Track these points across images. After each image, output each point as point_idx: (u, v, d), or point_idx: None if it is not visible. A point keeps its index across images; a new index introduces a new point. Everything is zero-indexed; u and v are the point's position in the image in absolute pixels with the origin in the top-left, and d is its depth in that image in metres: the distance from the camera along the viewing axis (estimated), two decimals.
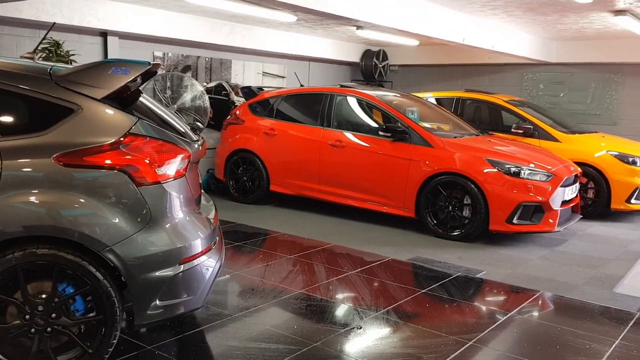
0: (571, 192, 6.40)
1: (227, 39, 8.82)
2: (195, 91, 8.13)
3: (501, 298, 4.70)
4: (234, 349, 3.41)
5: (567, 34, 9.18)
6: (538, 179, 6.03)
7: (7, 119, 2.87)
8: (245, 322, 3.82)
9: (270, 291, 4.46)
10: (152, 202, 2.85)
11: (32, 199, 2.70)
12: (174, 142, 3.02)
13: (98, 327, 2.82)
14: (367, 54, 11.72)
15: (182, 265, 2.92)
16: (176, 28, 8.10)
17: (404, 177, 6.46)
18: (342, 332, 3.72)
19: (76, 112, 2.81)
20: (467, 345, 3.58)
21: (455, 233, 6.21)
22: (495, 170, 6.03)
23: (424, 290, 4.62)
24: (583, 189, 7.43)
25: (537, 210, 6.00)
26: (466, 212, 6.15)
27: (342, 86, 7.53)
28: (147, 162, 2.84)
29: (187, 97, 8.09)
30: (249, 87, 8.46)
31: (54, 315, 2.75)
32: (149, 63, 2.97)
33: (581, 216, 6.81)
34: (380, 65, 11.78)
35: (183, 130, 3.31)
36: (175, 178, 2.97)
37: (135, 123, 2.88)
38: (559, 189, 6.08)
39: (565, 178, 6.20)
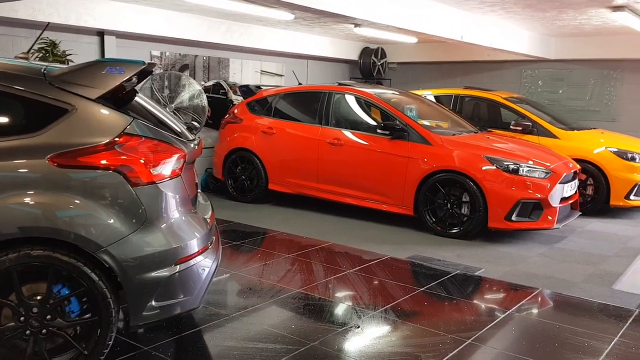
0: (570, 188, 6.39)
1: (224, 37, 8.80)
2: (193, 90, 8.11)
3: (500, 296, 4.69)
4: (231, 349, 3.40)
5: (565, 31, 9.16)
6: (537, 176, 6.02)
7: (1, 119, 2.84)
8: (243, 322, 3.81)
9: (268, 290, 4.45)
10: (148, 202, 2.83)
11: (27, 200, 2.69)
12: (170, 141, 3.01)
13: (93, 328, 2.81)
14: (366, 52, 11.69)
15: (178, 266, 2.90)
16: (173, 27, 8.07)
17: (402, 175, 6.45)
18: (340, 331, 3.70)
19: (70, 112, 2.79)
20: (466, 343, 3.56)
21: (454, 231, 6.20)
22: (494, 167, 6.02)
23: (422, 289, 4.61)
24: (582, 186, 7.42)
25: (536, 208, 5.98)
26: (465, 210, 6.14)
27: (340, 84, 7.51)
28: (142, 162, 2.83)
29: (185, 96, 8.07)
30: (247, 86, 8.45)
31: (49, 316, 2.74)
32: (144, 62, 2.95)
33: (580, 213, 6.80)
34: (379, 63, 11.75)
35: (179, 130, 3.30)
36: (170, 178, 2.95)
37: (130, 123, 2.86)
38: (558, 186, 6.07)
39: (564, 175, 6.18)
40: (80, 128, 2.78)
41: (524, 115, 8.01)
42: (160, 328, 3.62)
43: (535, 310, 4.27)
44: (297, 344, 3.48)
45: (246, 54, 9.83)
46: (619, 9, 6.95)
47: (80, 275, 2.72)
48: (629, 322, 4.00)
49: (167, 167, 2.93)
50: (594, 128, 8.57)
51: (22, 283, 2.71)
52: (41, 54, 6.45)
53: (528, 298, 4.46)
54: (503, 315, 4.08)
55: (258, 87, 8.46)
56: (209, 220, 3.35)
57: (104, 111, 2.85)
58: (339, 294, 4.50)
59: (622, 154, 7.43)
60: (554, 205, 6.02)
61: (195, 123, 7.62)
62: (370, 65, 11.64)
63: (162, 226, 2.89)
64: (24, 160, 2.72)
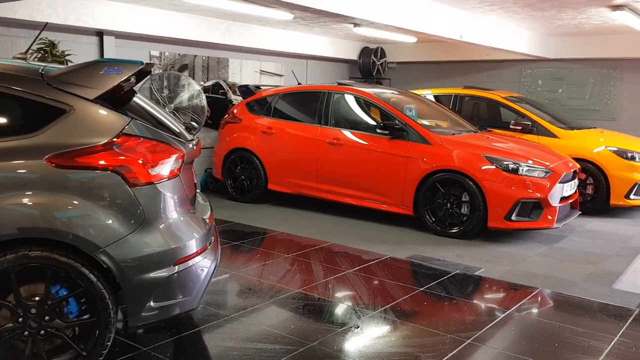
0: (570, 188, 6.38)
1: (223, 37, 8.79)
2: (192, 90, 8.11)
3: (499, 295, 4.68)
4: (230, 350, 3.39)
5: (565, 30, 9.15)
6: (536, 175, 6.01)
7: None
8: (242, 323, 3.80)
9: (267, 291, 4.44)
10: (146, 202, 2.83)
11: (25, 200, 2.68)
12: (168, 142, 3.00)
13: (92, 329, 2.80)
14: (365, 52, 11.69)
15: (176, 266, 2.90)
16: (172, 27, 8.06)
17: (402, 174, 6.44)
18: (340, 332, 3.70)
19: (68, 112, 2.79)
20: (465, 343, 3.56)
21: (454, 230, 6.19)
22: (494, 167, 6.01)
23: (422, 289, 4.60)
24: (582, 185, 7.41)
25: (535, 207, 5.98)
26: (464, 210, 6.13)
27: (339, 84, 7.50)
28: (141, 162, 2.82)
29: (184, 97, 8.07)
30: (246, 86, 8.44)
31: (47, 317, 2.73)
32: (142, 62, 2.95)
33: (580, 212, 6.79)
34: (379, 63, 11.75)
35: (178, 130, 3.29)
36: (169, 178, 2.95)
37: (129, 123, 2.86)
38: (558, 185, 6.06)
39: (563, 174, 6.17)
40: (78, 128, 2.78)
41: (524, 114, 8.00)
42: (159, 328, 3.61)
43: (535, 310, 4.27)
44: (296, 344, 3.48)
45: (245, 54, 9.82)
46: (619, 8, 6.94)
47: (78, 276, 2.72)
48: (629, 321, 3.99)
49: (166, 167, 2.92)
50: (594, 127, 8.56)
51: (20, 284, 2.71)
52: (40, 55, 6.44)
53: (528, 298, 4.45)
54: (503, 315, 4.07)
55: (257, 87, 8.46)
56: (207, 220, 3.35)
57: (102, 111, 2.84)
58: (339, 294, 4.49)
59: (621, 153, 7.42)
60: (553, 204, 6.01)
61: (194, 123, 7.61)
62: (369, 65, 11.64)
63: (161, 227, 2.88)
64: (22, 161, 2.71)
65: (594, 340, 3.66)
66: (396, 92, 7.72)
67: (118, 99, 3.00)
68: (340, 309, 4.17)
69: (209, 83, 9.29)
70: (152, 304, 2.84)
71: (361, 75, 11.90)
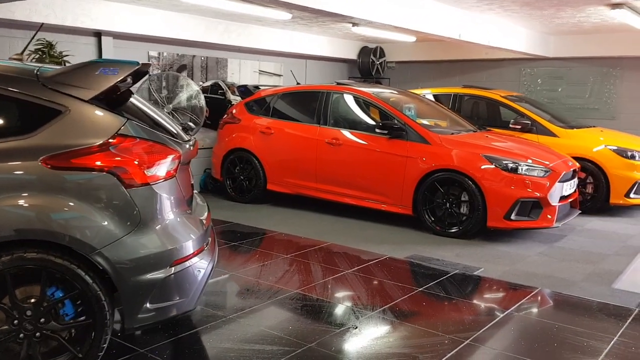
0: (569, 187, 6.36)
1: (222, 37, 8.77)
2: (191, 90, 8.09)
3: (499, 295, 4.66)
4: (228, 351, 3.37)
5: (564, 28, 9.13)
6: (536, 174, 5.99)
7: None
8: (240, 324, 3.78)
9: (265, 291, 4.42)
10: (142, 203, 2.81)
11: (21, 202, 2.66)
12: (164, 142, 2.99)
13: (88, 331, 2.78)
14: (364, 51, 11.67)
15: (173, 268, 2.88)
16: (171, 27, 8.05)
17: (401, 174, 6.43)
18: (338, 332, 3.68)
19: (63, 113, 2.77)
20: (464, 344, 3.54)
21: (453, 230, 6.18)
22: (493, 166, 5.99)
23: (421, 289, 4.58)
24: (582, 184, 7.39)
25: (535, 206, 5.96)
26: (464, 209, 6.12)
27: (338, 84, 7.49)
28: (136, 163, 2.81)
29: (183, 97, 8.05)
30: (245, 86, 8.42)
31: (42, 319, 2.72)
32: (138, 63, 2.93)
33: (580, 211, 6.78)
34: (378, 62, 11.73)
35: (174, 131, 3.28)
36: (165, 179, 2.93)
37: (125, 124, 2.84)
38: (557, 185, 6.04)
39: (563, 173, 6.16)
40: (73, 129, 2.76)
41: (523, 113, 7.98)
42: (156, 330, 3.60)
43: (534, 310, 4.25)
44: (294, 345, 3.46)
45: (244, 54, 9.81)
46: (618, 6, 6.92)
47: (74, 277, 2.70)
48: (629, 321, 3.98)
49: (162, 168, 2.91)
50: (594, 126, 8.54)
51: (15, 286, 2.69)
52: (38, 55, 6.43)
53: (527, 297, 4.44)
54: (502, 315, 4.05)
55: (256, 87, 8.44)
56: (204, 221, 3.33)
57: (98, 112, 2.83)
58: (337, 295, 4.47)
59: (621, 152, 7.40)
60: (553, 203, 6.00)
61: (191, 124, 7.60)
62: (368, 64, 11.62)
63: (157, 228, 2.87)
64: (17, 162, 2.70)
65: (594, 340, 3.65)
66: (395, 92, 7.71)
67: (114, 100, 2.99)
68: (338, 310, 4.15)
69: (208, 83, 9.27)
70: (148, 305, 2.82)
71: (360, 74, 11.88)
